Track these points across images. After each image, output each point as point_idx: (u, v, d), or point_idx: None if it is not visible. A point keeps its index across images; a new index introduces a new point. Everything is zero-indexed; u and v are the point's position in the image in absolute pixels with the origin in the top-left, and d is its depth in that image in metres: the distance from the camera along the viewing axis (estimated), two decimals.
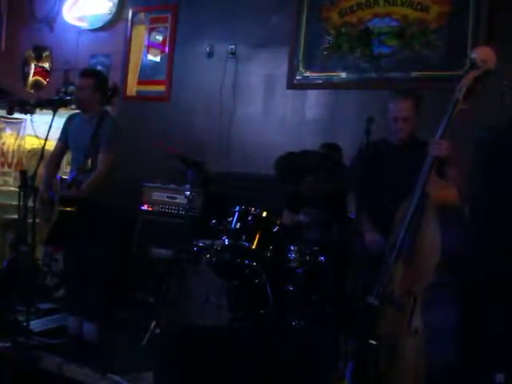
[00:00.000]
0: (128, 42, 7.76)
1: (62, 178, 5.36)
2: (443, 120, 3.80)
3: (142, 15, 7.69)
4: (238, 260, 5.15)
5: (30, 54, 8.61)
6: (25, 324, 4.84)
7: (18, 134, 8.29)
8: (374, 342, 3.81)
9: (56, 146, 5.49)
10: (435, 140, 3.79)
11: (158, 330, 5.22)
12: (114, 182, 5.24)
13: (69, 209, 5.03)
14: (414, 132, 4.33)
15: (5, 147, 8.31)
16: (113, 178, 5.23)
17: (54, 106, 5.25)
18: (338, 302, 4.78)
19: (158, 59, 7.55)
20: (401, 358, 3.74)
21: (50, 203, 5.18)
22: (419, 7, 5.78)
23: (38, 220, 5.03)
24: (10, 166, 8.32)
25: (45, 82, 8.50)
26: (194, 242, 5.45)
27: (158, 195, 6.56)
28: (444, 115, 3.81)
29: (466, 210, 4.09)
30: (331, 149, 5.48)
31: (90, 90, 5.26)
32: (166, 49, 7.47)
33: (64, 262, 5.94)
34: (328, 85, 6.34)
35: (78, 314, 5.32)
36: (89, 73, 5.50)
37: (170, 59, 7.44)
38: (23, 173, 4.95)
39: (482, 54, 3.78)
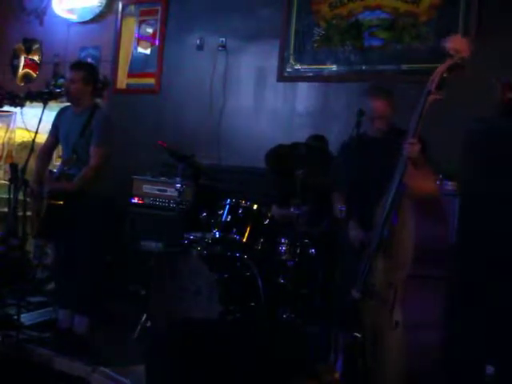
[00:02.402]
0: (118, 35, 7.73)
1: (50, 171, 5.34)
2: (415, 113, 3.80)
3: (131, 8, 7.67)
4: (229, 253, 5.16)
5: (20, 46, 8.56)
6: (15, 317, 4.83)
7: (8, 126, 8.27)
8: (358, 335, 3.83)
9: (46, 139, 5.47)
10: (408, 140, 3.79)
11: (149, 323, 5.22)
12: (103, 175, 5.22)
13: (58, 202, 5.03)
14: (392, 122, 4.43)
15: None
16: (103, 170, 5.22)
17: (44, 98, 5.21)
18: (328, 295, 4.79)
19: (148, 52, 7.53)
20: (383, 351, 3.74)
21: (40, 197, 5.17)
22: (410, 0, 5.78)
23: (28, 213, 5.03)
24: (0, 159, 8.30)
25: (35, 75, 8.47)
26: (185, 235, 5.45)
27: (148, 188, 6.55)
28: (416, 107, 3.80)
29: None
30: (317, 140, 5.48)
31: (81, 82, 5.23)
32: (156, 41, 7.45)
33: (54, 255, 5.93)
34: (318, 77, 6.34)
35: (69, 308, 5.31)
36: (79, 65, 5.47)
37: (160, 52, 7.43)
38: (13, 166, 4.93)
39: (455, 44, 3.74)
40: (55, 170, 5.35)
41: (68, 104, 5.48)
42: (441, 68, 3.74)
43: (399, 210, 3.74)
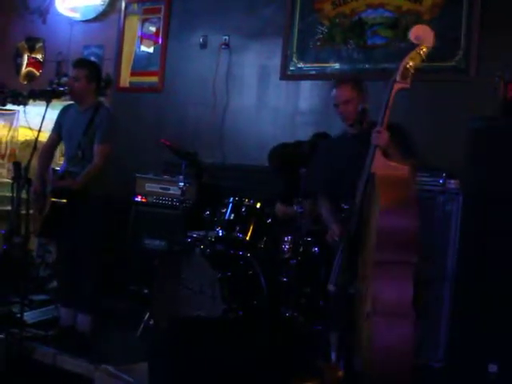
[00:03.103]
0: (121, 33, 7.73)
1: (53, 170, 5.34)
2: (383, 104, 3.82)
3: (135, 6, 7.66)
4: (232, 251, 5.17)
5: (23, 45, 8.57)
6: (18, 315, 4.83)
7: (11, 125, 8.29)
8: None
9: (49, 137, 5.46)
10: (375, 129, 3.80)
11: (151, 321, 5.22)
12: (106, 173, 5.23)
13: (61, 200, 5.03)
14: (367, 116, 4.32)
15: None
16: (106, 168, 5.22)
17: (47, 97, 5.21)
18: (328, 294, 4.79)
19: (151, 50, 7.53)
20: (361, 344, 3.72)
21: (43, 195, 5.17)
22: None
23: (31, 211, 5.02)
24: (3, 157, 8.32)
25: (38, 73, 8.47)
26: (188, 234, 5.46)
27: (151, 186, 6.55)
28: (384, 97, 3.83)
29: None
30: (322, 138, 5.47)
31: (84, 80, 5.23)
32: (160, 40, 7.45)
33: (56, 253, 5.93)
34: (321, 75, 6.32)
35: (71, 306, 5.32)
36: (82, 63, 5.46)
37: (163, 50, 7.42)
38: (16, 164, 4.93)
39: (417, 32, 3.80)
40: (58, 168, 5.36)
41: (71, 102, 5.48)
42: (405, 58, 3.79)
43: (370, 200, 3.73)
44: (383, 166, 3.73)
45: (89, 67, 5.35)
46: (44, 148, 5.47)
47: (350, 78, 4.44)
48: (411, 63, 3.76)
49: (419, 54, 3.77)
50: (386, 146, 3.79)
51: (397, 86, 3.78)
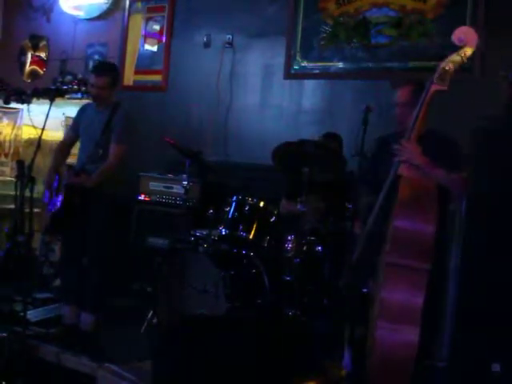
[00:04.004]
0: (125, 32, 7.74)
1: (69, 166, 5.38)
2: (418, 104, 3.78)
3: (139, 4, 7.66)
4: (235, 250, 5.16)
5: (27, 43, 8.58)
6: (22, 314, 4.84)
7: (15, 123, 8.30)
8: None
9: (67, 134, 5.51)
10: (403, 140, 3.75)
11: (155, 320, 5.22)
12: (118, 172, 5.27)
13: (73, 197, 5.07)
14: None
15: (1, 137, 8.33)
16: (120, 168, 5.28)
17: (50, 95, 5.25)
18: (334, 291, 4.78)
19: (155, 49, 7.53)
20: (369, 344, 3.69)
21: (54, 191, 5.22)
22: None
23: (36, 210, 5.05)
24: (6, 155, 8.33)
25: (41, 72, 8.48)
26: (191, 232, 5.46)
27: (154, 185, 6.55)
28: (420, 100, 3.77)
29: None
30: (331, 138, 5.47)
31: (107, 87, 5.28)
32: (163, 38, 7.45)
33: (62, 251, 5.93)
34: (325, 74, 6.32)
35: (74, 304, 5.33)
36: (104, 70, 5.41)
37: (167, 49, 7.43)
38: (20, 162, 4.95)
39: (461, 34, 3.69)
40: (74, 165, 5.40)
41: (89, 102, 5.53)
42: (445, 60, 3.70)
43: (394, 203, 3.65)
44: (412, 168, 3.71)
45: (111, 74, 5.37)
46: (60, 144, 5.58)
47: (414, 81, 4.22)
48: (451, 65, 3.67)
49: (461, 56, 3.67)
50: (412, 161, 3.72)
51: (434, 88, 3.71)
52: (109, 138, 5.17)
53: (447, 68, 3.68)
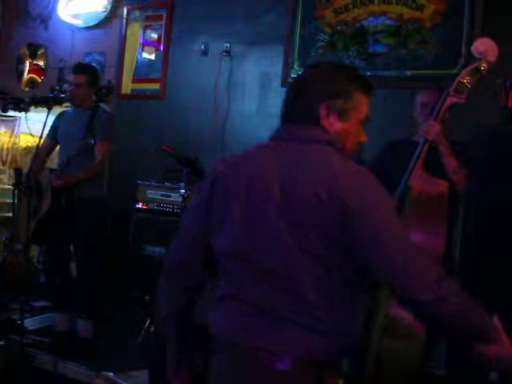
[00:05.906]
0: (123, 40, 7.74)
1: (51, 169, 5.36)
2: (433, 114, 3.75)
3: (136, 13, 7.67)
4: None
5: (25, 51, 8.57)
6: (19, 322, 4.84)
7: (13, 131, 8.29)
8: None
9: (44, 142, 5.44)
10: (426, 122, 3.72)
11: (152, 328, 5.21)
12: (103, 175, 5.28)
13: (60, 198, 5.06)
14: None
15: None
16: (103, 171, 5.29)
17: (48, 103, 5.23)
18: None
19: (152, 57, 7.54)
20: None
21: (37, 195, 5.19)
22: (414, 6, 5.78)
23: (21, 216, 5.03)
24: (4, 163, 8.32)
25: (39, 80, 8.48)
26: None
27: (152, 193, 6.54)
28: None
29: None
30: None
31: (85, 85, 5.30)
32: (161, 47, 7.45)
33: (49, 259, 5.81)
34: None
35: (66, 311, 5.31)
36: (82, 69, 5.50)
37: (164, 57, 7.43)
38: (18, 171, 4.96)
39: (480, 46, 3.61)
40: (54, 167, 5.38)
41: (67, 108, 5.53)
42: (462, 72, 3.64)
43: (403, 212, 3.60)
44: (422, 180, 3.64)
45: (89, 72, 5.41)
46: (38, 151, 5.48)
47: (438, 85, 4.23)
48: (468, 78, 3.59)
49: (479, 69, 3.58)
50: (437, 139, 3.68)
51: (450, 100, 3.66)
52: (91, 139, 5.12)
53: (464, 81, 3.60)
